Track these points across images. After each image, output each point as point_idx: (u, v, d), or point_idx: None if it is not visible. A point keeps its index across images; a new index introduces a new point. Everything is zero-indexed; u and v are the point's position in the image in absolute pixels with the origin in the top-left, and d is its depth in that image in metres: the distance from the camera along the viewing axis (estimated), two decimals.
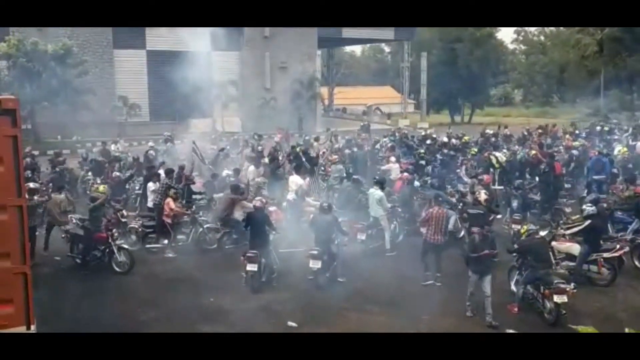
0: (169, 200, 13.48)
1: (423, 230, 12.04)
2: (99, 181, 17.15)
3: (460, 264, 12.39)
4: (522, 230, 10.62)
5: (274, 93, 38.44)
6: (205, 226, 14.02)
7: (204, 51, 35.61)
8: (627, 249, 11.91)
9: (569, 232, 11.92)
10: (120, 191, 16.04)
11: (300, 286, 11.42)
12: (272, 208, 13.68)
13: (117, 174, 17.45)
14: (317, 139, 24.30)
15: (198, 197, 15.72)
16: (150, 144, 22.93)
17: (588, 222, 11.48)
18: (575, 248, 11.49)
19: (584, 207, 12.11)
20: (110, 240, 12.24)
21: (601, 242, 11.67)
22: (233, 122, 36.55)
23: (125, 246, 12.50)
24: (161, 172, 15.49)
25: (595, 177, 16.22)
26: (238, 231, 13.18)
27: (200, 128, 32.43)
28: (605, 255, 11.30)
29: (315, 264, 11.12)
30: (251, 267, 10.91)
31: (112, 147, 22.86)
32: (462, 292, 10.42)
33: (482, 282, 9.94)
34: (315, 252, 11.18)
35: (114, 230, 12.48)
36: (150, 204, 14.74)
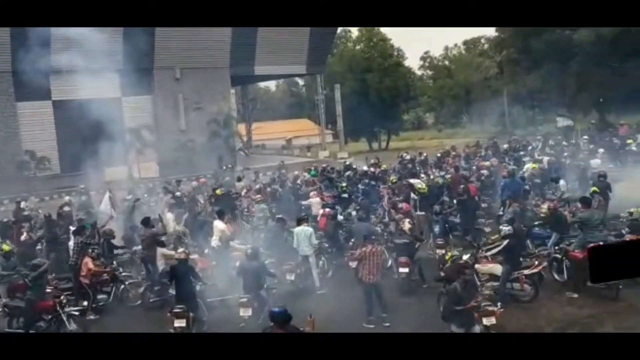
0: (87, 260, 12.78)
1: (353, 265, 11.99)
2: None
3: (395, 295, 12.46)
4: (447, 257, 10.82)
5: (191, 134, 37.85)
6: (127, 282, 13.42)
7: (114, 97, 34.83)
8: (545, 264, 12.40)
9: (489, 253, 12.26)
10: (31, 254, 15.06)
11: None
12: (194, 256, 13.30)
13: (29, 234, 16.46)
14: (239, 179, 24.01)
15: (120, 251, 15.12)
16: (67, 198, 21.90)
17: (506, 241, 11.86)
18: (497, 268, 11.78)
19: (501, 227, 12.53)
20: (58, 308, 11.31)
21: (521, 259, 12.10)
22: (150, 167, 35.60)
23: (76, 312, 11.60)
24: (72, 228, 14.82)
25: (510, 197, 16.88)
26: (159, 282, 12.75)
27: (116, 176, 31.39)
28: (526, 272, 11.64)
29: (246, 312, 10.83)
30: (179, 323, 10.43)
31: (22, 204, 21.54)
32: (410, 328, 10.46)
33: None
34: (245, 299, 10.91)
35: (62, 297, 11.58)
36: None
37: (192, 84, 37.97)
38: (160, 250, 13.19)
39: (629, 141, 25.77)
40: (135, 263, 14.89)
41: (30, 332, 11.06)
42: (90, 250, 13.31)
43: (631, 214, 12.45)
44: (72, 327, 11.32)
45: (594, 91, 39.22)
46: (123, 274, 13.75)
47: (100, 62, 27.94)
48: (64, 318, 11.31)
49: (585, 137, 29.22)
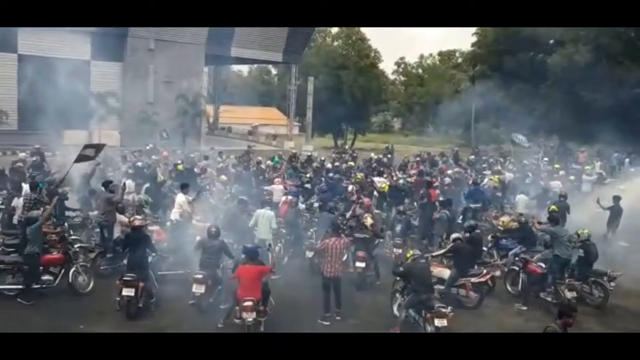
0: None
1: (309, 255, 11.85)
2: None
3: (348, 288, 12.36)
4: (408, 255, 10.83)
5: (157, 108, 37.02)
6: (76, 246, 12.98)
7: (83, 59, 33.85)
8: (497, 273, 12.59)
9: (434, 254, 12.25)
10: None
11: (181, 312, 10.85)
12: (153, 227, 13.01)
13: None
14: (207, 158, 23.65)
15: (72, 214, 14.66)
16: (22, 154, 21.17)
17: (451, 245, 11.98)
18: (446, 272, 11.81)
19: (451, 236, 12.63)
20: (69, 261, 11.35)
21: (475, 266, 12.23)
22: (111, 135, 34.71)
23: (87, 264, 11.74)
24: (24, 185, 14.31)
25: (472, 205, 17.11)
26: (113, 250, 12.43)
27: (75, 140, 30.48)
28: (473, 280, 11.78)
29: (199, 289, 10.61)
30: (127, 292, 10.17)
31: None
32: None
33: None
34: (200, 276, 10.69)
35: (74, 248, 11.67)
36: (15, 220, 13.45)
37: (165, 56, 37.07)
38: (119, 218, 12.82)
39: (587, 167, 26.29)
40: (86, 228, 14.49)
41: (35, 286, 10.98)
42: (42, 208, 12.83)
43: (578, 235, 12.72)
44: (84, 277, 11.47)
45: (559, 116, 40.13)
46: (72, 237, 13.32)
47: None
48: (80, 270, 11.44)
49: (546, 159, 29.85)
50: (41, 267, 11.17)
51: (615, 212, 16.61)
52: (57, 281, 11.30)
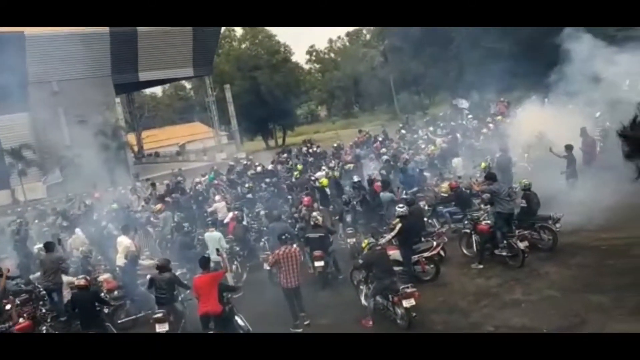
0: None
1: (267, 267, 11.68)
2: None
3: (312, 289, 12.29)
4: (363, 245, 10.84)
5: (77, 149, 35.62)
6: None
7: None
8: (445, 239, 12.73)
9: (383, 240, 11.71)
10: None
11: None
12: (103, 277, 12.52)
13: None
14: (134, 191, 22.96)
15: (11, 282, 13.86)
16: None
17: (399, 225, 11.90)
18: (398, 254, 11.85)
19: (396, 208, 12.57)
20: (38, 324, 11.43)
21: (422, 239, 12.34)
22: (36, 188, 33.30)
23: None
24: None
25: (409, 192, 16.91)
26: (65, 312, 11.85)
27: None
28: (426, 254, 11.92)
29: (162, 327, 10.29)
30: None
31: None
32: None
33: None
34: (160, 314, 10.37)
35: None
36: None
37: (72, 96, 35.73)
38: (65, 279, 12.21)
39: (497, 117, 26.64)
40: (32, 292, 13.74)
41: None
42: None
43: (525, 185, 13.02)
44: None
45: (472, 72, 41.23)
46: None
47: None
48: (50, 330, 11.31)
49: (470, 115, 30.46)
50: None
51: (571, 161, 15.63)
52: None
